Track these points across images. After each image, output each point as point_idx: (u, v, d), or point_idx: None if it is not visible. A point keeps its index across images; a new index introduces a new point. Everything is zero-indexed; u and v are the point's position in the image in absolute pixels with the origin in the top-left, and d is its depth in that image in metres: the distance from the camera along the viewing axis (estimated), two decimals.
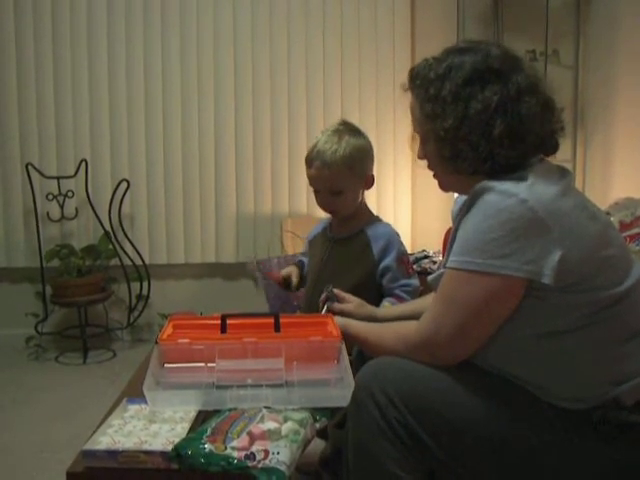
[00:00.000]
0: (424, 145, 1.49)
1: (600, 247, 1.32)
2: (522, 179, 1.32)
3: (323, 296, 1.88)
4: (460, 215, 1.39)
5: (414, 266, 3.17)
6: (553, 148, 1.45)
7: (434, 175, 1.53)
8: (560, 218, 1.28)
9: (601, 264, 1.32)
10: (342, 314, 1.77)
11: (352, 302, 1.86)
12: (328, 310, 1.84)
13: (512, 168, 1.36)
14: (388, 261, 2.01)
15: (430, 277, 1.49)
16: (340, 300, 1.87)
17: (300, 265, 2.32)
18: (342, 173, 1.99)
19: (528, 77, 1.39)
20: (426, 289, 1.90)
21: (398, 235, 2.10)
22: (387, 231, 2.08)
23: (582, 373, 1.32)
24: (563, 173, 1.41)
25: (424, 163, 1.53)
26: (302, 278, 2.27)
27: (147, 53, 3.79)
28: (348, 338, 1.59)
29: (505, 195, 1.28)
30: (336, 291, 1.88)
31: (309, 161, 2.05)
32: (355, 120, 2.23)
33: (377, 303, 1.99)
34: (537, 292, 1.29)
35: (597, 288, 1.31)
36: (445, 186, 1.53)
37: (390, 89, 3.83)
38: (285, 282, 2.26)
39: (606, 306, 1.31)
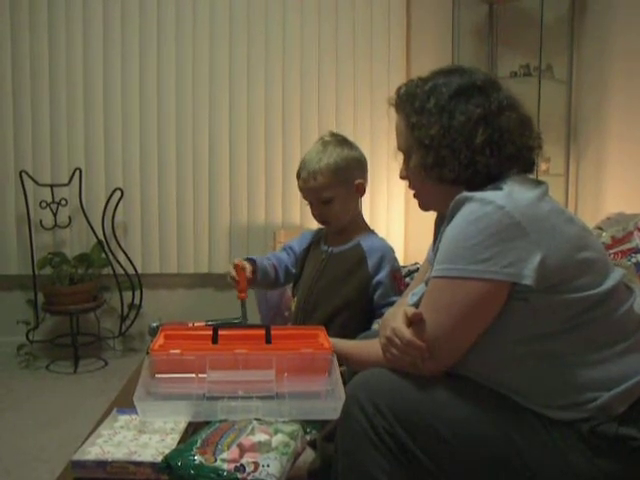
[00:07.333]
0: (408, 161, 1.53)
1: (579, 249, 1.35)
2: (499, 189, 1.36)
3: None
4: (443, 226, 1.42)
5: (406, 279, 3.19)
6: (530, 165, 1.50)
7: (414, 195, 1.58)
8: (537, 222, 1.32)
9: (581, 265, 1.34)
10: None
11: None
12: None
13: (490, 179, 1.41)
14: (381, 276, 2.01)
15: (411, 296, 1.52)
16: None
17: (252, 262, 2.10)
18: (327, 181, 2.00)
19: (508, 97, 1.47)
20: None
21: (393, 250, 2.10)
22: (382, 245, 2.08)
23: (569, 377, 1.33)
24: (538, 183, 1.45)
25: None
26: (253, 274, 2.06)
27: (142, 62, 3.80)
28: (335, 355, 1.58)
29: (483, 203, 1.32)
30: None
31: (298, 174, 2.07)
32: (349, 134, 2.24)
33: (368, 317, 1.99)
34: (520, 295, 1.31)
35: (579, 289, 1.33)
36: (425, 204, 1.59)
37: (384, 104, 3.77)
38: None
39: (589, 307, 1.33)
